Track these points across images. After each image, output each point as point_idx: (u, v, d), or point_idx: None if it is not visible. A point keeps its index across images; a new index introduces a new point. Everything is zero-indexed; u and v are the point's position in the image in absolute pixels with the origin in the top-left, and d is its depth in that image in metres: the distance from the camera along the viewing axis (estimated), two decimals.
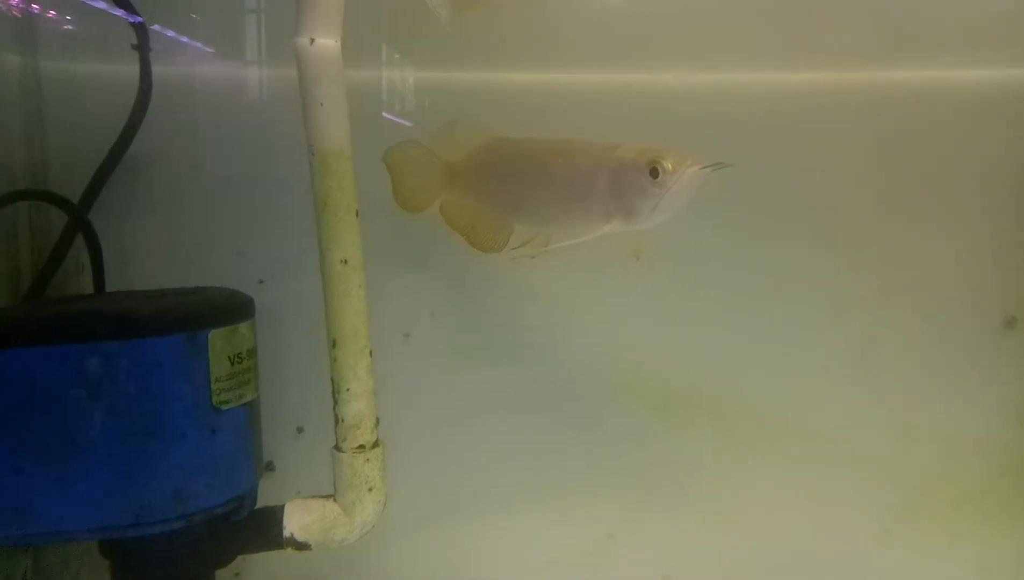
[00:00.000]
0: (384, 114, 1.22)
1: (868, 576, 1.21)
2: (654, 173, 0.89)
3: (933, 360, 1.20)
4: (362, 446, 0.96)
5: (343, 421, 0.96)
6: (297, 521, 0.95)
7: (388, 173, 1.11)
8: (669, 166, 0.88)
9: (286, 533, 0.94)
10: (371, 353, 0.98)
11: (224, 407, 0.87)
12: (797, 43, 1.18)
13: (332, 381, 0.96)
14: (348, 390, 0.95)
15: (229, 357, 0.87)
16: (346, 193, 0.90)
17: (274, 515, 0.94)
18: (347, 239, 0.91)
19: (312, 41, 0.83)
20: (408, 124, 1.22)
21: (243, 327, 0.91)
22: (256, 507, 0.97)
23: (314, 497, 0.99)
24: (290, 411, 1.25)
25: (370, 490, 0.97)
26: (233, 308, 0.90)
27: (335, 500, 0.97)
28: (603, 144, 0.96)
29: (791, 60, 1.18)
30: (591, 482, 1.27)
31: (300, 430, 1.26)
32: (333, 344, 0.94)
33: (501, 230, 1.06)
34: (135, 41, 1.10)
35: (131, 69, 1.10)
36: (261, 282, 1.24)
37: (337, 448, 0.97)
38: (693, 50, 1.18)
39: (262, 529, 0.93)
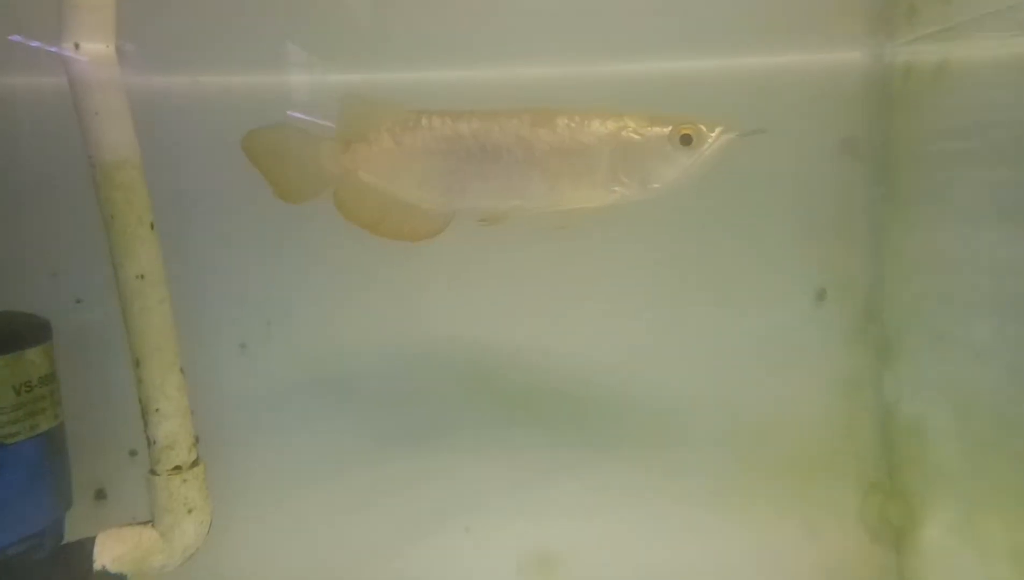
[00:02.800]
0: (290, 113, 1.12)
1: (705, 545, 1.22)
2: (686, 140, 0.87)
3: (752, 335, 1.21)
4: (178, 467, 0.90)
5: (155, 443, 0.89)
6: (109, 552, 0.88)
7: (251, 163, 0.95)
8: (702, 132, 0.87)
9: (97, 566, 0.86)
10: (182, 370, 0.91)
11: (9, 441, 0.78)
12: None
13: (140, 402, 0.89)
14: (158, 410, 0.88)
15: (14, 387, 0.79)
16: (136, 205, 0.83)
17: (83, 548, 0.87)
18: (142, 253, 0.84)
19: (76, 46, 0.75)
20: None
21: (32, 353, 0.83)
22: (66, 541, 0.88)
23: (130, 524, 0.92)
24: (122, 434, 1.16)
25: (190, 512, 0.91)
26: (17, 334, 0.82)
27: (152, 526, 0.90)
28: (592, 111, 0.91)
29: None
30: (442, 479, 1.23)
31: (133, 453, 1.17)
32: (136, 364, 0.87)
33: (436, 216, 0.94)
34: None
35: None
36: (79, 302, 1.16)
37: (152, 472, 0.90)
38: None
39: (69, 565, 0.86)
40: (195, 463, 0.92)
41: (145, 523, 0.91)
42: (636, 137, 0.89)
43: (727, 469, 1.21)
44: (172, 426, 0.89)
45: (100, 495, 1.18)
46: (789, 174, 1.19)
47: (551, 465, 1.23)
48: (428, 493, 1.23)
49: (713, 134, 0.87)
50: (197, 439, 0.94)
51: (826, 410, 1.21)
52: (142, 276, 0.84)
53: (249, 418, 1.21)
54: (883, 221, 1.17)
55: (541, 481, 1.23)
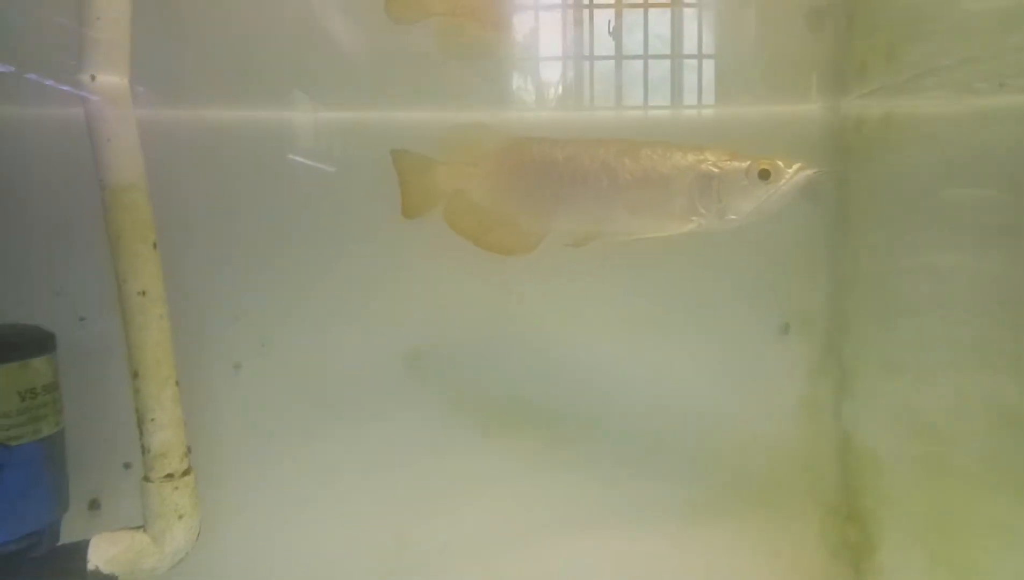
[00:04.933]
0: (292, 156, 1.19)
1: (672, 566, 1.24)
2: (764, 175, 0.88)
3: (723, 365, 1.25)
4: (170, 475, 0.93)
5: (149, 451, 0.92)
6: (103, 554, 0.90)
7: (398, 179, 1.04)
8: (780, 168, 0.88)
9: (91, 566, 0.89)
10: (177, 383, 0.94)
11: (13, 443, 0.81)
12: None
13: (136, 412, 0.92)
14: (153, 420, 0.91)
15: (19, 393, 0.82)
16: (141, 226, 0.87)
17: (78, 549, 0.89)
18: (145, 271, 0.88)
19: (93, 78, 0.80)
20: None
21: (38, 362, 0.86)
22: (61, 542, 0.91)
23: (123, 529, 0.94)
24: (117, 447, 1.18)
25: (180, 518, 0.93)
26: (23, 343, 0.85)
27: (144, 530, 0.92)
28: (676, 144, 0.94)
29: None
30: (424, 494, 1.25)
31: (127, 466, 1.19)
32: (135, 375, 0.91)
33: (531, 233, 0.99)
34: None
35: None
36: (82, 319, 1.19)
37: (145, 478, 0.93)
38: None
39: (64, 564, 0.88)
40: (186, 472, 0.95)
41: (137, 528, 0.93)
42: (715, 170, 0.90)
43: (695, 491, 1.25)
44: (166, 435, 0.92)
45: (94, 505, 1.20)
46: None
47: (518, 486, 1.25)
48: (410, 509, 1.25)
49: (790, 171, 0.88)
50: (189, 449, 0.97)
51: (789, 436, 1.25)
52: (144, 293, 0.87)
53: (241, 435, 1.23)
54: (842, 260, 1.23)
55: (498, 501, 1.26)
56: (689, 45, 1.22)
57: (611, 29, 1.21)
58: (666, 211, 0.93)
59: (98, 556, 0.89)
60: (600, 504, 1.25)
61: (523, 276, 1.22)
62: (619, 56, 1.22)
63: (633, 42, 1.22)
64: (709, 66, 1.23)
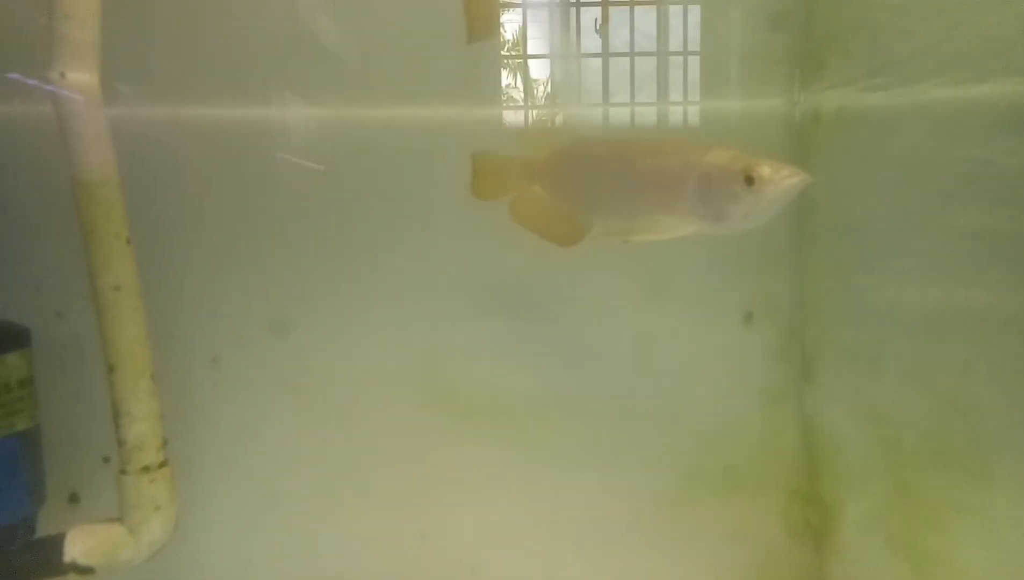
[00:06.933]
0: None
1: (641, 553, 1.24)
2: (749, 180, 0.82)
3: (688, 354, 1.26)
4: (147, 467, 0.91)
5: (125, 443, 0.91)
6: (80, 546, 0.89)
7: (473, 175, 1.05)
8: (765, 175, 0.82)
9: (67, 559, 0.87)
10: (153, 376, 0.93)
11: None
12: None
13: (112, 405, 0.90)
14: (129, 413, 0.90)
15: None
16: (114, 221, 0.86)
17: (54, 542, 0.88)
18: (118, 266, 0.87)
19: (63, 75, 0.78)
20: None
21: (11, 358, 0.85)
22: (38, 535, 0.89)
23: (100, 521, 0.93)
24: (96, 441, 1.16)
25: (157, 510, 0.92)
26: None
27: (121, 522, 0.91)
28: (694, 145, 0.90)
29: None
30: (399, 487, 1.24)
31: (106, 460, 1.17)
32: (110, 369, 0.89)
33: (579, 225, 0.98)
34: None
35: None
36: (59, 316, 1.16)
37: (121, 471, 0.92)
38: None
39: (40, 557, 0.87)
40: (163, 464, 0.94)
41: (114, 520, 0.92)
42: (712, 173, 0.86)
43: (662, 477, 1.25)
44: (141, 428, 0.91)
45: (74, 499, 1.18)
46: None
47: (504, 481, 1.25)
48: (385, 501, 1.24)
49: (777, 177, 0.82)
50: (166, 442, 0.96)
51: (753, 422, 1.25)
52: (118, 287, 0.86)
53: (220, 427, 1.22)
54: (803, 250, 1.23)
55: (490, 496, 1.25)
56: (648, 44, 1.22)
57: (598, 27, 1.20)
58: (672, 210, 0.90)
59: (75, 548, 0.88)
60: (567, 493, 1.24)
61: (501, 269, 1.21)
62: (606, 53, 1.22)
63: (618, 40, 1.22)
64: (676, 63, 1.23)
